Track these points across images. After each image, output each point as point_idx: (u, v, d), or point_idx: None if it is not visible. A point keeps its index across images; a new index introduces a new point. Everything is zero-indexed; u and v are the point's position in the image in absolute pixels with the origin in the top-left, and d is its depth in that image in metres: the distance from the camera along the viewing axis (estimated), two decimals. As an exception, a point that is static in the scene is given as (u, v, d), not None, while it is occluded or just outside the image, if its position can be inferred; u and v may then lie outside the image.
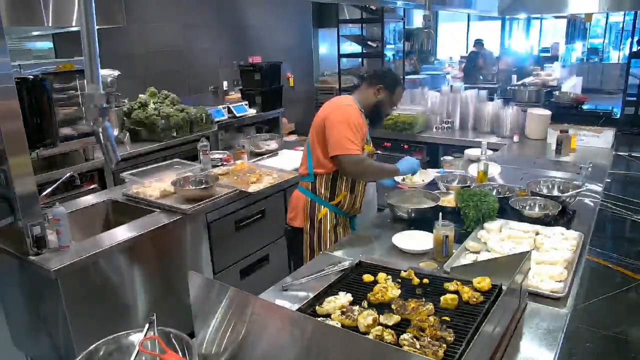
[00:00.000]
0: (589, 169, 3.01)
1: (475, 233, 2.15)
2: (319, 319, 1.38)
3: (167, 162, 3.34)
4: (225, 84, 5.48)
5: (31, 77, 2.96)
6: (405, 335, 1.26)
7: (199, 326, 1.38)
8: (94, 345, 1.35)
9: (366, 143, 2.50)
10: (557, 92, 5.55)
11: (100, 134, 2.06)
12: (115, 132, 3.87)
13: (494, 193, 2.51)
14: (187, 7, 5.23)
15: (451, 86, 5.63)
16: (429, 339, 1.24)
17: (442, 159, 3.56)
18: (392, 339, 1.26)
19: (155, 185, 2.89)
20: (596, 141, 3.85)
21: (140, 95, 4.28)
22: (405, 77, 7.85)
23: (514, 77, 6.89)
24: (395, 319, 1.37)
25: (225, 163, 3.45)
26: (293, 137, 5.64)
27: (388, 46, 8.17)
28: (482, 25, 12.33)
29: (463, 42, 12.35)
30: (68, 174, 2.65)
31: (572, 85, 6.79)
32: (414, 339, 1.24)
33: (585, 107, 5.28)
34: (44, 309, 2.30)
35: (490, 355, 1.31)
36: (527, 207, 2.38)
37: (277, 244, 3.26)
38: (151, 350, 1.36)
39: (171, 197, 2.81)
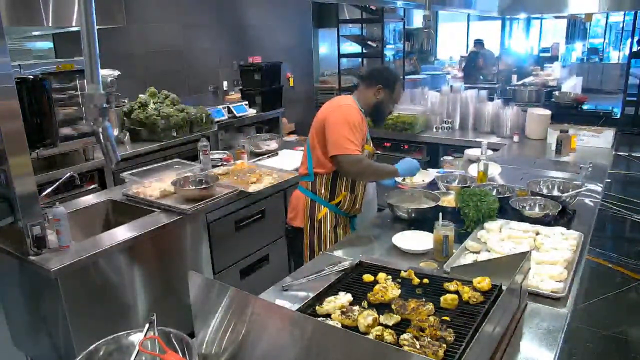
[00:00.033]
0: (589, 169, 3.01)
1: (475, 233, 2.15)
2: (319, 319, 1.38)
3: (167, 162, 3.35)
4: (225, 84, 5.50)
5: (31, 77, 2.96)
6: (405, 335, 1.26)
7: (199, 326, 1.38)
8: (94, 345, 1.35)
9: (366, 143, 2.50)
10: (557, 92, 5.54)
11: (100, 134, 2.06)
12: (115, 132, 3.88)
13: (494, 193, 2.51)
14: (187, 7, 5.22)
15: (451, 86, 5.63)
16: (429, 339, 1.24)
17: (442, 159, 3.56)
18: (392, 339, 1.26)
19: (155, 185, 2.89)
20: (596, 141, 3.85)
21: (140, 95, 4.28)
22: (405, 77, 7.84)
23: (514, 77, 6.89)
24: (395, 319, 1.37)
25: (225, 163, 3.45)
26: (293, 137, 5.63)
27: (388, 46, 8.18)
28: (482, 25, 12.30)
29: (463, 42, 12.33)
30: (68, 174, 2.64)
31: (572, 85, 6.77)
32: (414, 339, 1.24)
33: (585, 107, 5.27)
34: (44, 309, 2.30)
35: (490, 355, 1.31)
36: (527, 207, 2.38)
37: (277, 244, 3.26)
38: (151, 350, 1.36)
39: (171, 197, 2.81)
